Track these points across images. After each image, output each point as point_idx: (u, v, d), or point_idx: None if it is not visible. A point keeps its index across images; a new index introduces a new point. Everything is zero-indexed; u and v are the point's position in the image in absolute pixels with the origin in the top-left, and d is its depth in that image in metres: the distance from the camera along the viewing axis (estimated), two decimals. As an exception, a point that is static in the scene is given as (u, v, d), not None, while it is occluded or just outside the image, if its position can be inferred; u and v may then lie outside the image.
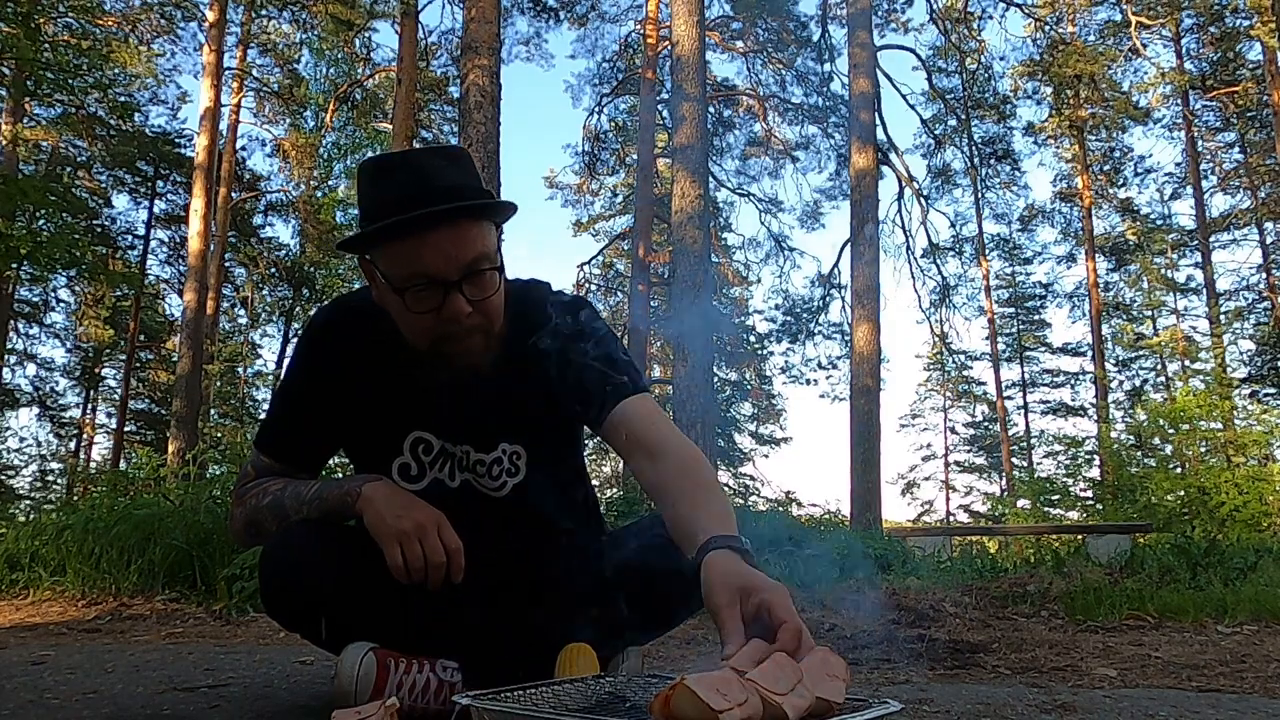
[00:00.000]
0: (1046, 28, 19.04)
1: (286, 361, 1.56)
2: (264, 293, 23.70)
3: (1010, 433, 27.75)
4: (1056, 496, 16.68)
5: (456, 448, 1.47)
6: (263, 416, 1.63)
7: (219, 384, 22.21)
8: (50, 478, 22.71)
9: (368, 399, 1.45)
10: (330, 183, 21.00)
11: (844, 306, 18.32)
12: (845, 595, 3.99)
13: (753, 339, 23.29)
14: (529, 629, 1.42)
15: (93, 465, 22.66)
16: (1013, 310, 29.73)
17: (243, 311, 23.98)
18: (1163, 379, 26.04)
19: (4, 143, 14.55)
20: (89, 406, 23.62)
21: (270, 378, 23.76)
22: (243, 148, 21.24)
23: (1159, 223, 24.91)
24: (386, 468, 1.47)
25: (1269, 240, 22.66)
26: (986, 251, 25.99)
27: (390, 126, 15.44)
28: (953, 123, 20.07)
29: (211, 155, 14.62)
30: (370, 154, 19.59)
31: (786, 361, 23.39)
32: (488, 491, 1.49)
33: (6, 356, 19.14)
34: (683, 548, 1.18)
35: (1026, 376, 29.96)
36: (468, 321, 1.32)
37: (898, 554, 5.58)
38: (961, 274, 23.05)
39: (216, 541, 4.09)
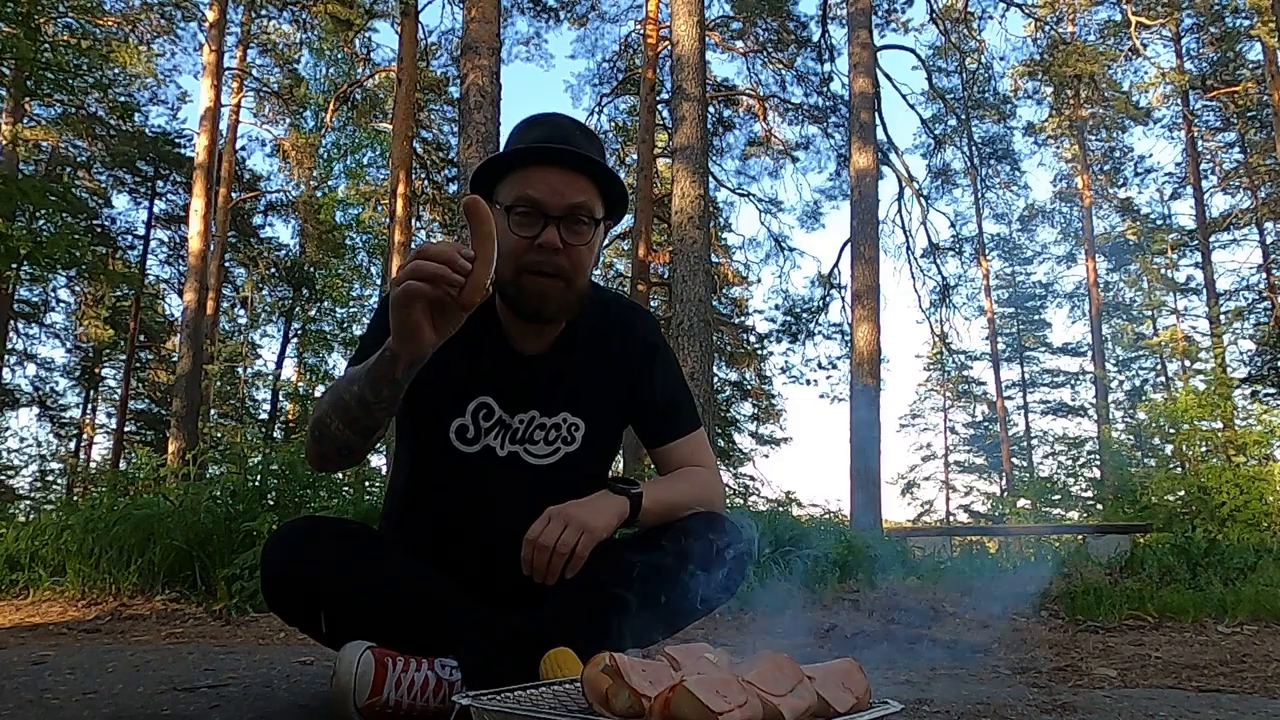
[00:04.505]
0: (1046, 28, 19.01)
1: (375, 311, 1.62)
2: (264, 293, 23.69)
3: (1010, 433, 27.76)
4: (1057, 496, 16.68)
5: (515, 418, 1.54)
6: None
7: (219, 384, 22.18)
8: (50, 478, 22.68)
9: (444, 359, 1.45)
10: (330, 183, 21.03)
11: (844, 306, 18.29)
12: (845, 595, 3.99)
13: (753, 339, 23.26)
14: (544, 615, 1.43)
15: (93, 465, 22.64)
16: (1013, 310, 29.76)
17: (243, 311, 23.96)
18: (1163, 379, 26.07)
19: (4, 143, 14.53)
20: (89, 406, 23.63)
21: (270, 378, 23.77)
22: (243, 148, 21.26)
23: (1159, 223, 24.92)
24: (444, 427, 1.53)
25: (1269, 240, 22.66)
26: (986, 251, 26.00)
27: (390, 126, 15.43)
28: (953, 123, 20.05)
29: (211, 155, 14.61)
30: (370, 154, 19.65)
31: (786, 361, 23.35)
32: (535, 460, 1.56)
33: (6, 356, 19.12)
34: None
35: (1026, 376, 30.02)
36: (555, 260, 1.43)
37: (898, 554, 5.57)
38: (961, 274, 23.01)
39: (216, 541, 4.09)
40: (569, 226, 1.43)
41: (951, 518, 29.56)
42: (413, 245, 17.14)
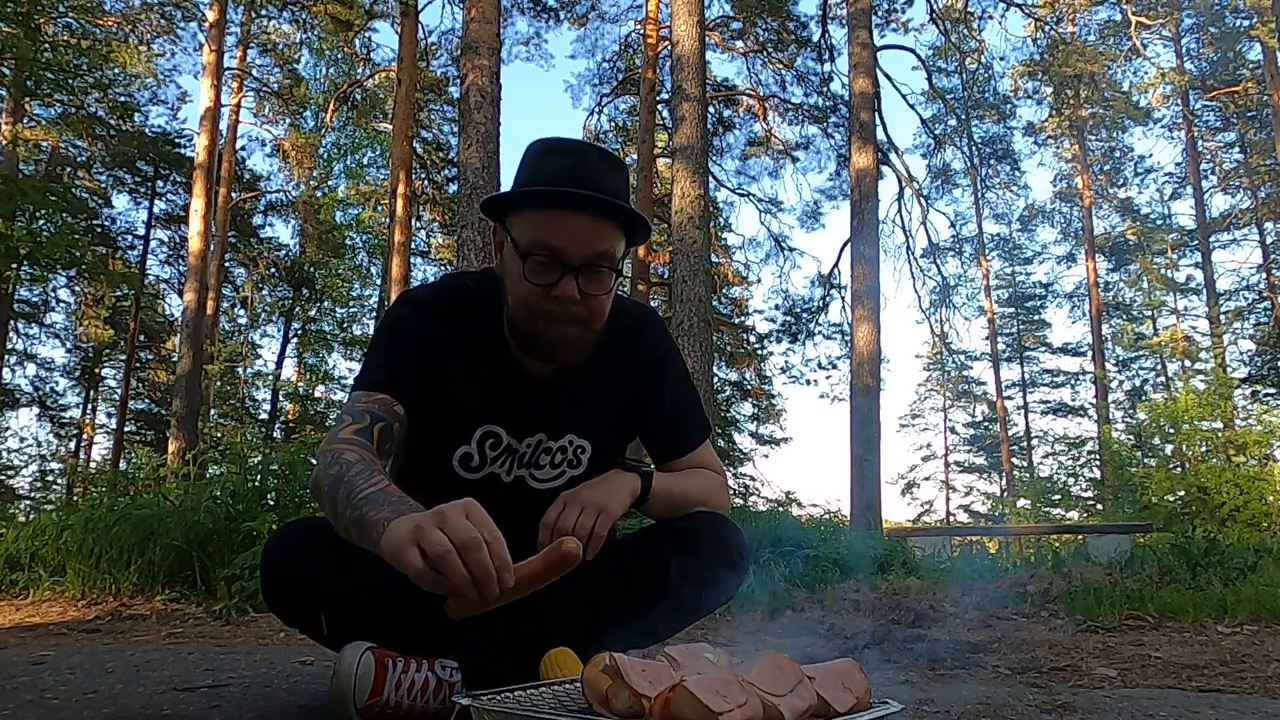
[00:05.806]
0: (1046, 28, 18.99)
1: (376, 326, 1.63)
2: (264, 293, 23.69)
3: (1010, 433, 27.75)
4: (1057, 496, 16.68)
5: (522, 443, 1.51)
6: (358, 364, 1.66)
7: (219, 384, 22.19)
8: (50, 478, 22.67)
9: (448, 386, 1.46)
10: (330, 183, 21.02)
11: (844, 306, 18.26)
12: (845, 595, 3.99)
13: (753, 339, 23.26)
14: (544, 623, 1.42)
15: (93, 465, 22.63)
16: (1013, 310, 29.74)
17: (243, 311, 23.96)
18: (1163, 379, 26.06)
19: (4, 143, 14.53)
20: (89, 406, 23.61)
21: (270, 378, 23.76)
22: (243, 148, 21.25)
23: (1159, 223, 24.92)
24: (448, 456, 1.49)
25: (1269, 240, 22.67)
26: (986, 251, 26.03)
27: (390, 126, 15.43)
28: (953, 123, 20.03)
29: (211, 155, 14.60)
30: (370, 154, 19.65)
31: (786, 361, 23.36)
32: (539, 485, 1.53)
33: (6, 356, 19.11)
34: None
35: (1026, 376, 29.99)
36: (572, 309, 1.36)
37: (898, 554, 5.57)
38: (961, 274, 23.01)
39: (216, 541, 4.09)
40: (589, 276, 1.36)
41: (951, 518, 29.57)
42: (412, 245, 17.12)
